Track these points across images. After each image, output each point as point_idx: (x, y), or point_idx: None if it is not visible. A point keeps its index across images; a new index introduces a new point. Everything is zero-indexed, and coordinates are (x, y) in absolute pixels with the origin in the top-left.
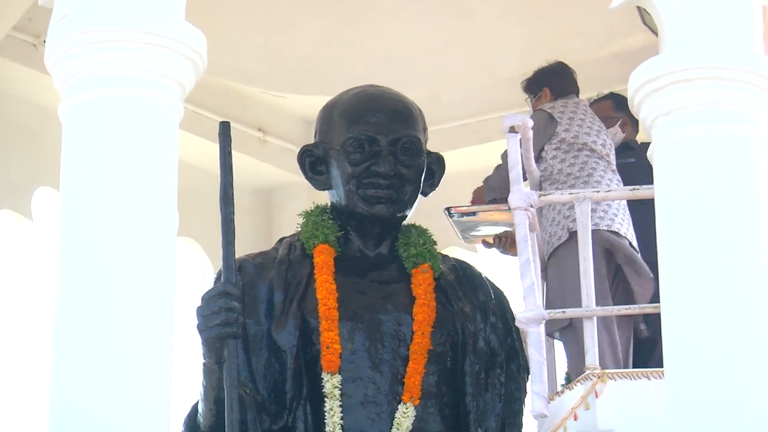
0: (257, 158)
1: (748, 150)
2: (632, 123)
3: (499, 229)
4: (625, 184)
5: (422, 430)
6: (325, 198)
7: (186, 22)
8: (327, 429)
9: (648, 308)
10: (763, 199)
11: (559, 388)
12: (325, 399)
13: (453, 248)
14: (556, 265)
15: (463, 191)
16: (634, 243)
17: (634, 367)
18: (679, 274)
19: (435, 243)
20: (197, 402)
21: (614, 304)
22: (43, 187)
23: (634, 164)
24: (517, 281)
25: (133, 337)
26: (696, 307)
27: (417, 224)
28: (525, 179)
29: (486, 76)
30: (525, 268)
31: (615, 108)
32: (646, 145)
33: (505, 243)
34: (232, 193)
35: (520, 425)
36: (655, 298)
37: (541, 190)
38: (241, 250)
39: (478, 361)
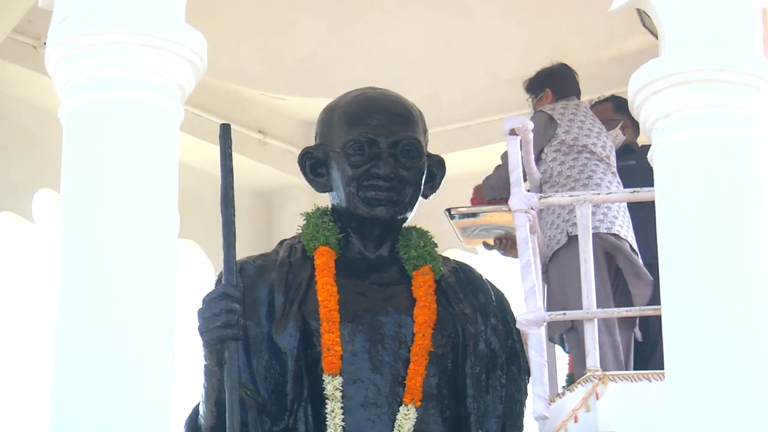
0: (258, 160)
1: (748, 152)
2: (633, 125)
3: (498, 232)
4: (625, 187)
5: (423, 431)
6: (325, 200)
7: (186, 24)
8: (328, 431)
9: (648, 310)
10: (763, 201)
11: (560, 390)
12: (326, 401)
13: (454, 250)
14: (557, 269)
15: (463, 193)
16: (634, 245)
17: (634, 369)
18: (680, 276)
19: (436, 245)
20: (198, 403)
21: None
22: (44, 189)
23: (635, 167)
24: (517, 283)
25: (133, 338)
26: (696, 309)
27: (417, 226)
28: (525, 181)
29: (486, 77)
30: (526, 270)
31: (616, 110)
32: (646, 148)
33: (506, 245)
34: (233, 195)
35: (520, 427)
36: (656, 300)
37: (541, 192)
38: (242, 252)
39: (478, 363)
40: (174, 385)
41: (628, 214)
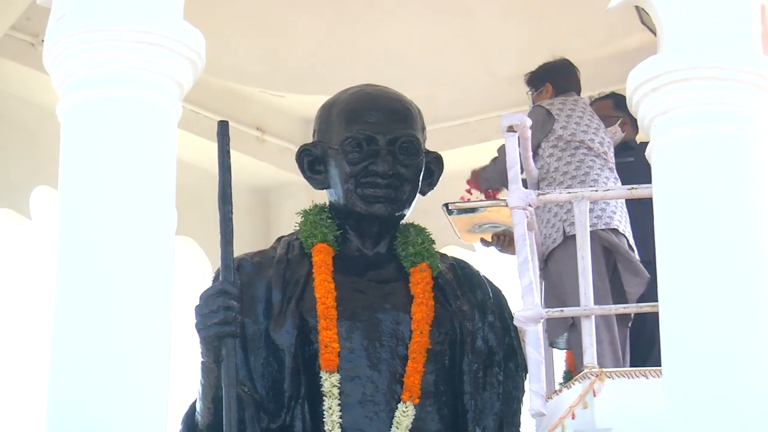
0: (256, 157)
1: (746, 149)
2: (632, 122)
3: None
4: (623, 183)
5: (420, 429)
6: (323, 197)
7: (184, 22)
8: (326, 428)
9: (646, 307)
10: (760, 199)
11: (557, 387)
12: (324, 398)
13: (451, 247)
14: (554, 268)
15: (461, 190)
16: (632, 241)
17: (632, 365)
18: (678, 273)
19: (433, 242)
20: (195, 401)
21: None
22: (42, 186)
23: (633, 163)
24: (515, 280)
25: (131, 336)
26: (694, 306)
27: (415, 223)
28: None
29: (485, 75)
30: (523, 267)
31: (615, 107)
32: (644, 145)
33: (504, 241)
34: (231, 193)
35: (518, 424)
36: (653, 297)
37: (538, 189)
38: (240, 249)
39: (476, 359)
40: (171, 382)
41: (626, 209)
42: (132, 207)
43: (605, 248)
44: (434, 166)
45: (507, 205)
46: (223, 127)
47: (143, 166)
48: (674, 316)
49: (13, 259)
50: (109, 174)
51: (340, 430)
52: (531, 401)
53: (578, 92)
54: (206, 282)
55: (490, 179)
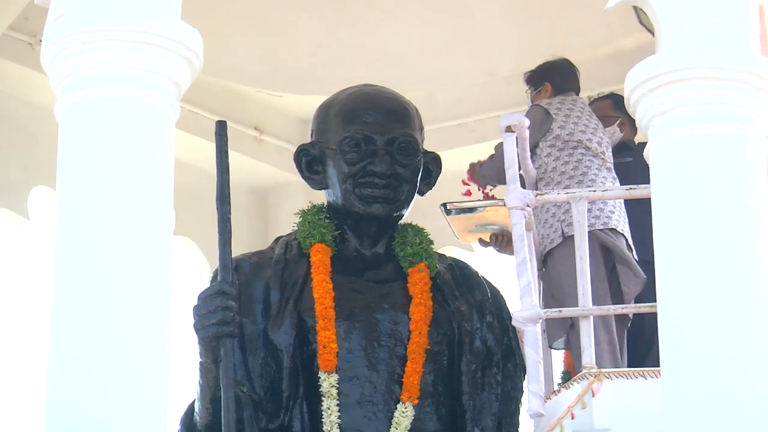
0: (254, 157)
1: (745, 150)
2: (630, 123)
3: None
4: (622, 184)
5: (419, 429)
6: (321, 197)
7: (182, 22)
8: (324, 428)
9: (644, 308)
10: (759, 199)
11: (556, 387)
12: (322, 398)
13: (449, 247)
14: (553, 268)
15: (459, 190)
16: (630, 241)
17: (630, 366)
18: (676, 273)
19: (431, 242)
20: (194, 401)
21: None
22: (40, 186)
23: (631, 163)
24: (513, 280)
25: (129, 336)
26: (692, 306)
27: (413, 223)
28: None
29: (483, 75)
30: (521, 267)
31: (614, 107)
32: (643, 145)
33: (502, 241)
34: (229, 193)
35: (516, 424)
36: (651, 298)
37: (536, 189)
38: (238, 250)
39: (474, 360)
40: (170, 383)
41: (624, 209)
42: (130, 207)
43: (604, 248)
44: (432, 166)
45: (505, 205)
46: (221, 127)
47: (141, 166)
48: (673, 316)
49: (11, 259)
50: (107, 174)
51: (338, 430)
52: (529, 401)
53: (577, 92)
54: (204, 282)
55: (486, 176)
